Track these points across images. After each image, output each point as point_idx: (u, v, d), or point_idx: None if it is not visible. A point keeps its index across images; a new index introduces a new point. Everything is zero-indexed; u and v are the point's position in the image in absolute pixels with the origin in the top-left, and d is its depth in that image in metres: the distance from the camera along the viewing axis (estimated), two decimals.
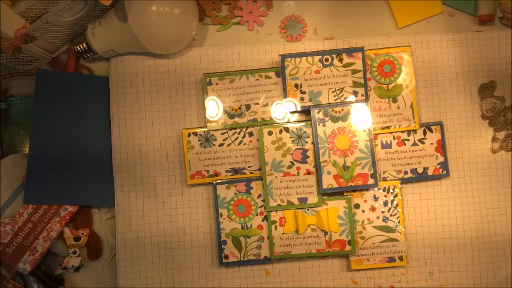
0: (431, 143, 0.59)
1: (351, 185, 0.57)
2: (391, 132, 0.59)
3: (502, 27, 0.62)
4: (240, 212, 0.58)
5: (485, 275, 0.59)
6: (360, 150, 0.57)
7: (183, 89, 0.60)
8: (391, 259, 0.58)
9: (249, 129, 0.59)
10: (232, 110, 0.59)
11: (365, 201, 0.58)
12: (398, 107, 0.59)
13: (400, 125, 0.59)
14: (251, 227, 0.58)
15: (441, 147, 0.59)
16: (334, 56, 0.59)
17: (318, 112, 0.58)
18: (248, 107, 0.59)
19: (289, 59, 0.59)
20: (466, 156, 0.60)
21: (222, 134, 0.59)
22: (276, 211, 0.58)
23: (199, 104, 0.60)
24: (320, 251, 0.57)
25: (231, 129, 0.59)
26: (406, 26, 0.62)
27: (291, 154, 0.58)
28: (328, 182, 0.57)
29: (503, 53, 0.61)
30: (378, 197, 0.58)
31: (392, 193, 0.58)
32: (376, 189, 0.58)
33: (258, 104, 0.59)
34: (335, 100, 0.58)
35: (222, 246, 0.58)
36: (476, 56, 0.61)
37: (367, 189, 0.58)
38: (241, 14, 0.62)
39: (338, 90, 0.58)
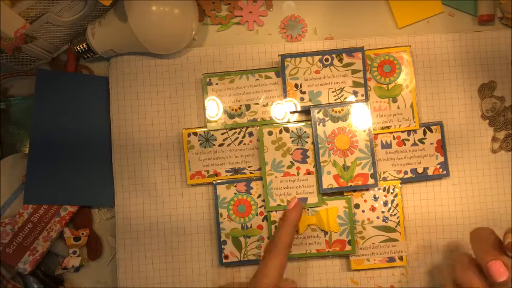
0: (431, 143, 0.59)
1: (351, 185, 0.57)
2: (391, 132, 0.59)
3: (502, 27, 0.62)
4: (240, 212, 0.58)
5: None
6: (360, 150, 0.57)
7: (183, 89, 0.60)
8: (391, 259, 0.58)
9: (249, 129, 0.59)
10: (232, 110, 0.59)
11: (365, 201, 0.58)
12: (398, 107, 0.59)
13: (400, 125, 0.59)
14: (251, 227, 0.58)
15: (441, 147, 0.59)
16: (334, 56, 0.59)
17: (318, 112, 0.58)
18: (248, 107, 0.59)
19: (289, 59, 0.59)
20: (466, 156, 0.60)
21: (222, 134, 0.59)
22: (276, 211, 0.58)
23: (199, 104, 0.60)
24: (320, 251, 0.57)
25: (231, 129, 0.59)
26: (406, 26, 0.62)
27: (291, 154, 0.58)
28: (328, 182, 0.57)
29: (503, 53, 0.61)
30: (378, 197, 0.58)
31: (392, 193, 0.58)
32: (376, 189, 0.58)
33: (258, 104, 0.59)
34: (335, 100, 0.58)
35: (222, 246, 0.58)
36: (476, 56, 0.61)
37: (367, 189, 0.58)
38: (241, 14, 0.62)
39: (338, 90, 0.58)
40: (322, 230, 0.57)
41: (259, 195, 0.58)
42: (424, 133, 0.59)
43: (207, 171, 0.59)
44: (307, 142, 0.58)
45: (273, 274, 0.49)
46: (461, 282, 0.47)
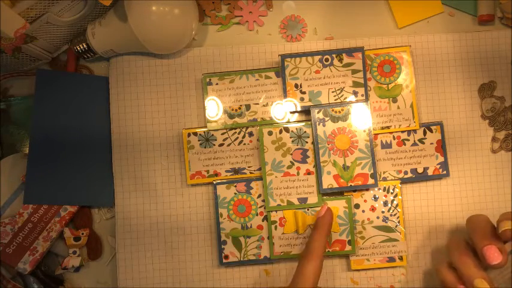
0: (431, 143, 0.59)
1: (351, 185, 0.57)
2: (391, 132, 0.59)
3: (502, 27, 0.62)
4: (240, 212, 0.58)
5: None
6: (360, 150, 0.57)
7: (183, 89, 0.60)
8: (391, 259, 0.58)
9: (249, 129, 0.59)
10: (232, 110, 0.59)
11: (365, 201, 0.58)
12: (398, 107, 0.59)
13: (400, 125, 0.59)
14: (251, 227, 0.58)
15: (441, 147, 0.59)
16: (334, 56, 0.59)
17: (318, 112, 0.58)
18: (248, 107, 0.59)
19: (289, 59, 0.59)
20: (466, 156, 0.60)
21: (222, 134, 0.59)
22: (276, 211, 0.58)
23: (199, 104, 0.60)
24: None
25: (231, 129, 0.59)
26: (406, 26, 0.62)
27: (291, 154, 0.58)
28: (328, 182, 0.57)
29: (503, 53, 0.61)
30: (378, 197, 0.58)
31: (392, 193, 0.58)
32: (376, 189, 0.58)
33: (258, 104, 0.59)
34: (335, 100, 0.58)
35: (222, 246, 0.58)
36: (476, 56, 0.61)
37: (367, 189, 0.58)
38: (241, 14, 0.62)
39: (338, 90, 0.59)
40: None
41: (259, 195, 0.58)
42: (424, 133, 0.59)
43: (207, 171, 0.59)
44: (307, 142, 0.58)
45: (309, 278, 0.50)
46: (457, 266, 0.50)
